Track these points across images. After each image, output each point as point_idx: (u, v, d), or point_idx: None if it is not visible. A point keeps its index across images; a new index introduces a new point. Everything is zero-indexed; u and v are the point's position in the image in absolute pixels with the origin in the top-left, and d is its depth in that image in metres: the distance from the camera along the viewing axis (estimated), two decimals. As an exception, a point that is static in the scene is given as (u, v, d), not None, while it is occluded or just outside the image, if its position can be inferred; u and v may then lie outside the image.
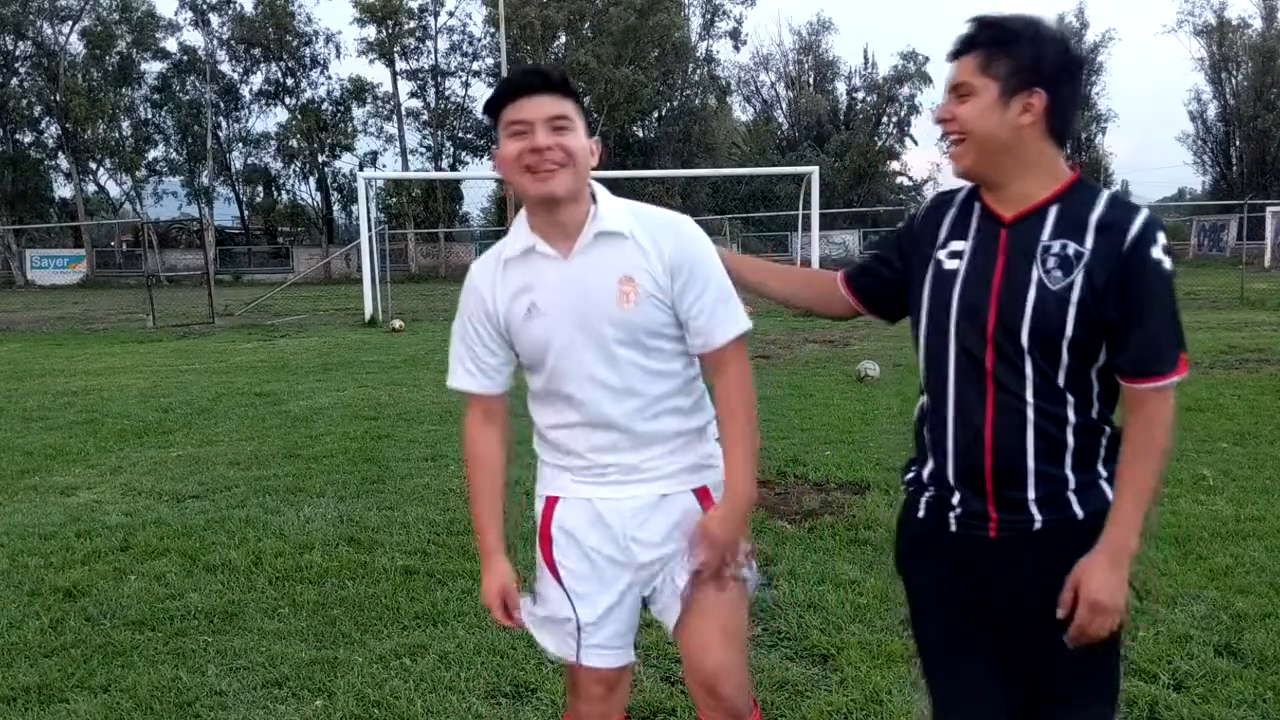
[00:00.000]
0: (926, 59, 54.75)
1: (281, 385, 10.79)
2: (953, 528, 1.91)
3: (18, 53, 50.86)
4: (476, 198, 62.45)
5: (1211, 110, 55.48)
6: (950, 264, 1.88)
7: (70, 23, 50.32)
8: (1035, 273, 1.78)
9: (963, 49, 1.81)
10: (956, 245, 1.89)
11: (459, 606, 4.06)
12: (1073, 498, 1.83)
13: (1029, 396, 1.80)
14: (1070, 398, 1.81)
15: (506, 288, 2.08)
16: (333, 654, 3.64)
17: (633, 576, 2.16)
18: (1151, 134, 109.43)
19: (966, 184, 1.93)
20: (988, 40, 1.78)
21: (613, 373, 2.05)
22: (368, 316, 20.23)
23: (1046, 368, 1.79)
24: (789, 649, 3.60)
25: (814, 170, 22.29)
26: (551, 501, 2.18)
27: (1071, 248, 1.77)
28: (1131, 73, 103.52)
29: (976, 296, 1.83)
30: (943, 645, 1.99)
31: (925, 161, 61.99)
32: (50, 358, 14.60)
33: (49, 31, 50.57)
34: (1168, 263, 1.77)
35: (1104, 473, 1.86)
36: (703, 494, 2.15)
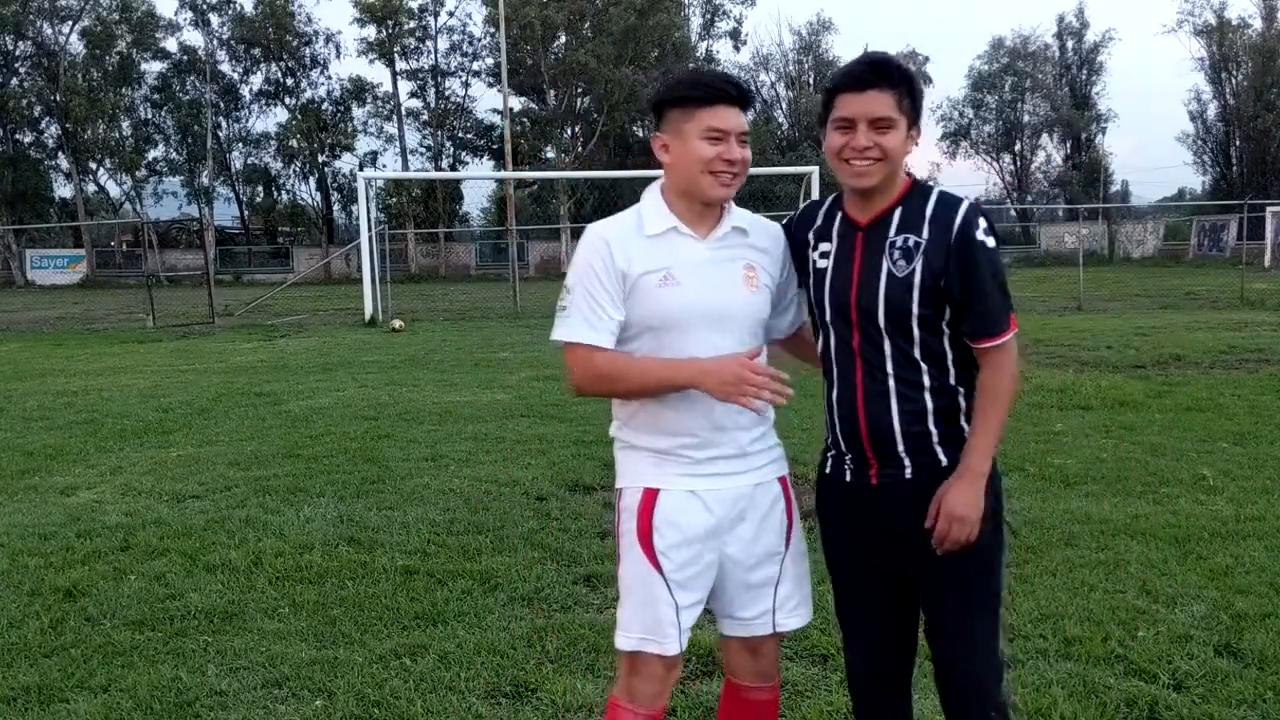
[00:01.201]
0: (926, 59, 54.92)
1: (281, 385, 10.79)
2: (847, 478, 2.28)
3: (18, 53, 50.89)
4: (476, 198, 62.48)
5: (1211, 110, 55.54)
6: (821, 263, 2.27)
7: (70, 23, 50.36)
8: (885, 264, 2.15)
9: (881, 84, 2.09)
10: (824, 247, 2.27)
11: (459, 606, 4.06)
12: (938, 449, 2.19)
13: (890, 369, 2.17)
14: (925, 366, 2.17)
15: (644, 257, 2.22)
16: (333, 654, 3.64)
17: (720, 558, 2.31)
18: (1151, 134, 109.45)
19: (829, 197, 2.33)
20: (900, 81, 2.11)
21: (731, 348, 2.21)
22: (368, 316, 20.24)
23: (903, 343, 2.15)
24: (789, 649, 3.60)
25: (814, 170, 22.28)
26: (650, 494, 2.27)
27: (912, 239, 2.14)
28: (1131, 73, 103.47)
29: (841, 288, 2.21)
30: (847, 578, 2.36)
31: (925, 161, 61.96)
32: (50, 358, 14.60)
33: (49, 31, 50.61)
34: (990, 241, 2.14)
35: (966, 426, 2.19)
36: (783, 482, 2.39)
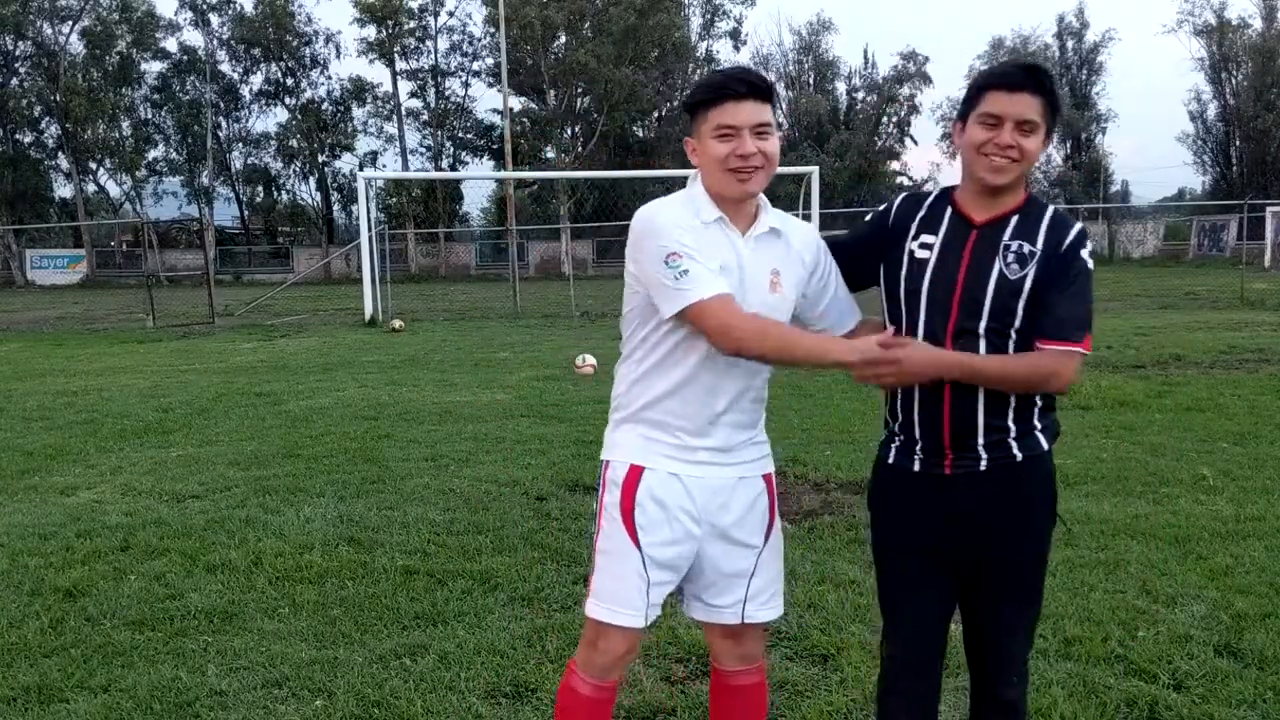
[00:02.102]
0: (926, 59, 54.85)
1: (281, 385, 10.79)
2: (916, 468, 2.33)
3: (18, 53, 50.88)
4: (476, 198, 62.50)
5: (1211, 110, 55.53)
6: (921, 254, 2.30)
7: (70, 23, 50.36)
8: (997, 264, 2.22)
9: (1032, 89, 2.18)
10: (927, 239, 2.30)
11: (459, 606, 4.06)
12: (1013, 444, 2.27)
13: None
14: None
15: (703, 240, 2.23)
16: (333, 654, 3.64)
17: (698, 545, 2.35)
18: (1151, 134, 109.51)
19: (933, 191, 2.39)
20: (1047, 90, 2.20)
21: None
22: (368, 316, 20.24)
23: (998, 342, 2.22)
24: (789, 649, 3.60)
25: (814, 170, 22.30)
26: (636, 470, 2.33)
27: (1027, 247, 2.22)
28: (1131, 73, 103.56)
29: (945, 280, 2.25)
30: (903, 563, 2.40)
31: (925, 161, 61.95)
32: (50, 358, 14.60)
33: (49, 31, 50.60)
34: (1091, 263, 2.24)
35: (1039, 424, 2.30)
36: (768, 480, 2.43)
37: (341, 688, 3.37)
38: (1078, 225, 2.26)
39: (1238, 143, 54.65)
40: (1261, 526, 4.84)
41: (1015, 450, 2.27)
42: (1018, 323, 2.20)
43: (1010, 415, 2.26)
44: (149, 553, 4.85)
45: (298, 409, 9.12)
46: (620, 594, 2.33)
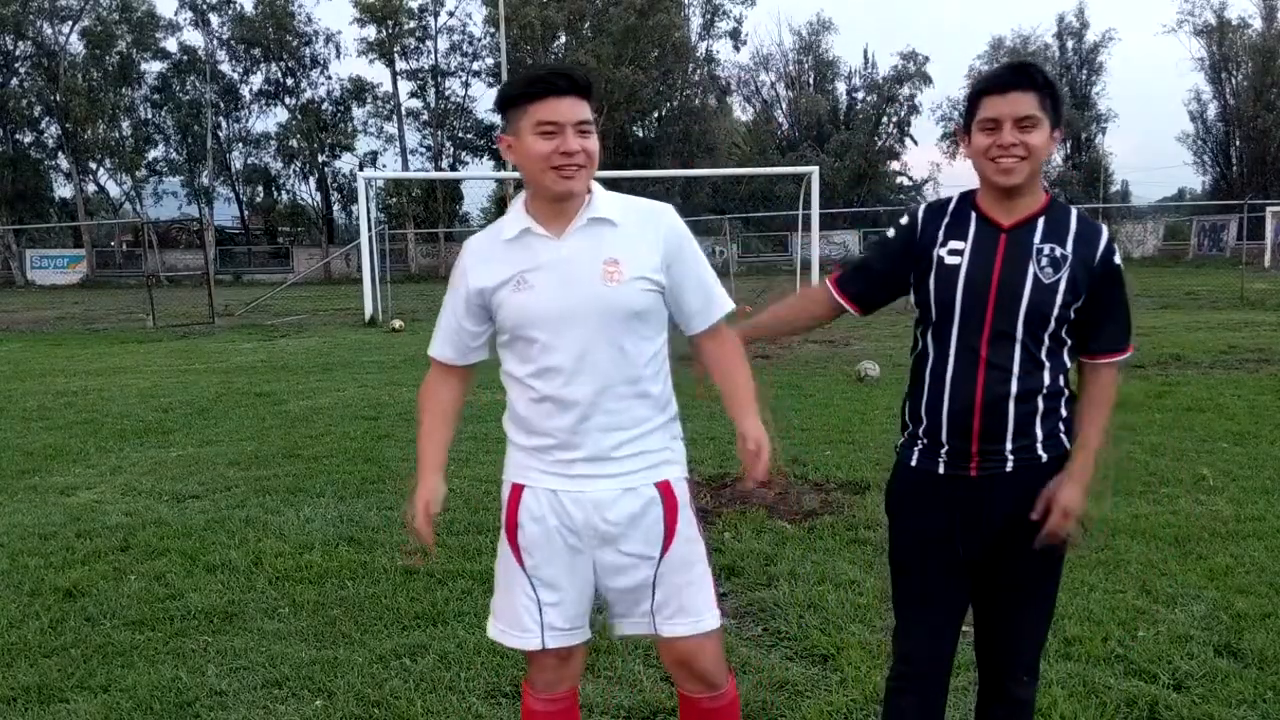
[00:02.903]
0: (926, 59, 54.71)
1: (281, 385, 10.79)
2: (940, 470, 2.32)
3: (18, 53, 50.85)
4: (476, 198, 62.49)
5: (1211, 110, 55.47)
6: (951, 260, 2.28)
7: (70, 23, 50.32)
8: (1031, 269, 2.22)
9: (1024, 86, 2.19)
10: (956, 245, 2.29)
11: (459, 606, 4.06)
12: (1038, 447, 2.29)
13: (1015, 369, 2.23)
14: (1046, 377, 2.26)
15: (499, 264, 2.21)
16: (333, 654, 3.64)
17: (591, 559, 2.28)
18: (1151, 134, 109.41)
19: (955, 193, 2.37)
20: (1042, 84, 2.21)
21: (591, 349, 2.17)
22: (368, 316, 20.24)
23: (1032, 346, 2.23)
24: (789, 649, 3.60)
25: (814, 170, 22.29)
26: (517, 489, 2.30)
27: (1059, 251, 2.23)
28: (1131, 73, 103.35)
29: (979, 286, 2.24)
30: (922, 566, 2.38)
31: (925, 161, 61.95)
32: (50, 358, 14.60)
33: (49, 31, 50.56)
34: (1122, 263, 2.29)
35: (1062, 428, 2.31)
36: (664, 488, 2.27)
37: (341, 688, 3.37)
38: (1104, 230, 2.29)
39: (1238, 143, 54.62)
40: (1261, 526, 4.84)
41: (1040, 451, 2.29)
42: (1051, 326, 2.22)
43: (1038, 420, 2.28)
44: (149, 553, 4.85)
45: (298, 409, 9.12)
46: (510, 615, 2.31)
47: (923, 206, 2.43)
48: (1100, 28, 73.20)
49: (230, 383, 11.10)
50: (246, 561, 4.65)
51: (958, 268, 2.26)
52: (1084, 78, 57.33)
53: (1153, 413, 7.89)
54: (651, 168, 41.59)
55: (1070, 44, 57.44)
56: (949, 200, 2.38)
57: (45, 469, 6.86)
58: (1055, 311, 2.21)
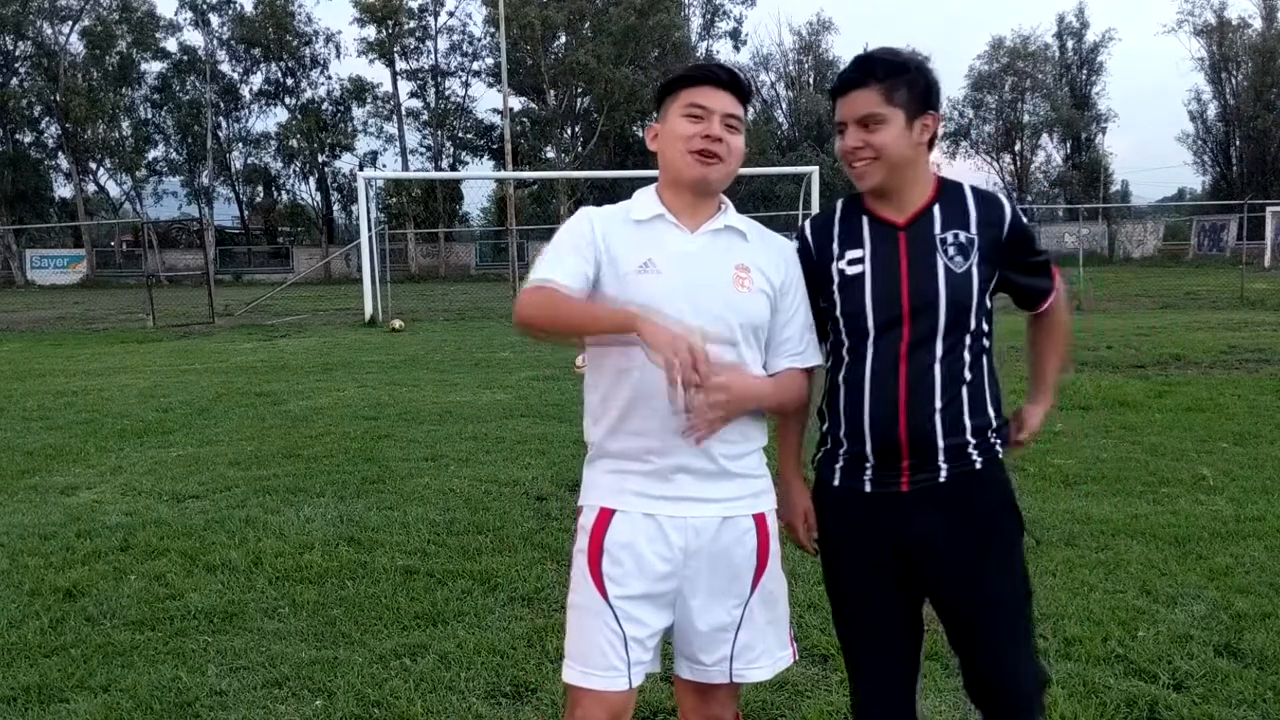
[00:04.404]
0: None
1: (281, 385, 10.79)
2: (867, 488, 2.16)
3: (18, 53, 50.89)
4: (476, 198, 62.59)
5: (1211, 110, 55.53)
6: (853, 270, 2.14)
7: (70, 23, 50.38)
8: (940, 261, 2.10)
9: (863, 82, 2.06)
10: (854, 254, 2.15)
11: (459, 606, 4.06)
12: (973, 452, 2.13)
13: (937, 368, 2.09)
14: (968, 358, 2.12)
15: (627, 243, 2.08)
16: (333, 654, 3.64)
17: (676, 597, 2.11)
18: (1151, 134, 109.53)
19: (837, 203, 2.24)
20: (884, 74, 2.06)
21: (716, 354, 2.00)
22: (368, 316, 20.25)
23: (954, 339, 2.10)
24: (789, 649, 3.60)
25: (814, 170, 22.32)
26: (607, 514, 2.10)
27: (964, 235, 2.12)
28: (1131, 73, 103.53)
29: (888, 290, 2.10)
30: (859, 599, 2.22)
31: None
32: (50, 358, 14.60)
33: (49, 31, 50.63)
34: (1024, 218, 2.21)
35: (993, 426, 2.16)
36: (760, 520, 2.15)
37: (341, 688, 3.36)
38: (1002, 197, 2.21)
39: (1238, 143, 54.65)
40: (1261, 526, 4.84)
41: (975, 457, 2.13)
42: (972, 320, 2.10)
43: (966, 416, 2.11)
44: (149, 553, 4.85)
45: (298, 409, 9.12)
46: (591, 654, 2.06)
47: (807, 223, 2.28)
48: (1100, 28, 73.51)
49: (230, 383, 11.10)
50: (246, 561, 4.65)
51: (861, 277, 2.12)
52: (1084, 78, 57.36)
53: (1153, 413, 7.88)
54: (652, 167, 41.45)
55: (1070, 44, 57.49)
56: (833, 209, 2.23)
57: (45, 469, 6.86)
58: (974, 301, 2.09)
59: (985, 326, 2.15)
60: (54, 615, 4.07)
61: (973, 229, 2.12)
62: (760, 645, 2.16)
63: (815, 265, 2.19)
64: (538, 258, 2.12)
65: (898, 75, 2.06)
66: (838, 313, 2.16)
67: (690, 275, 2.06)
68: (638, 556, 2.06)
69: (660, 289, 2.03)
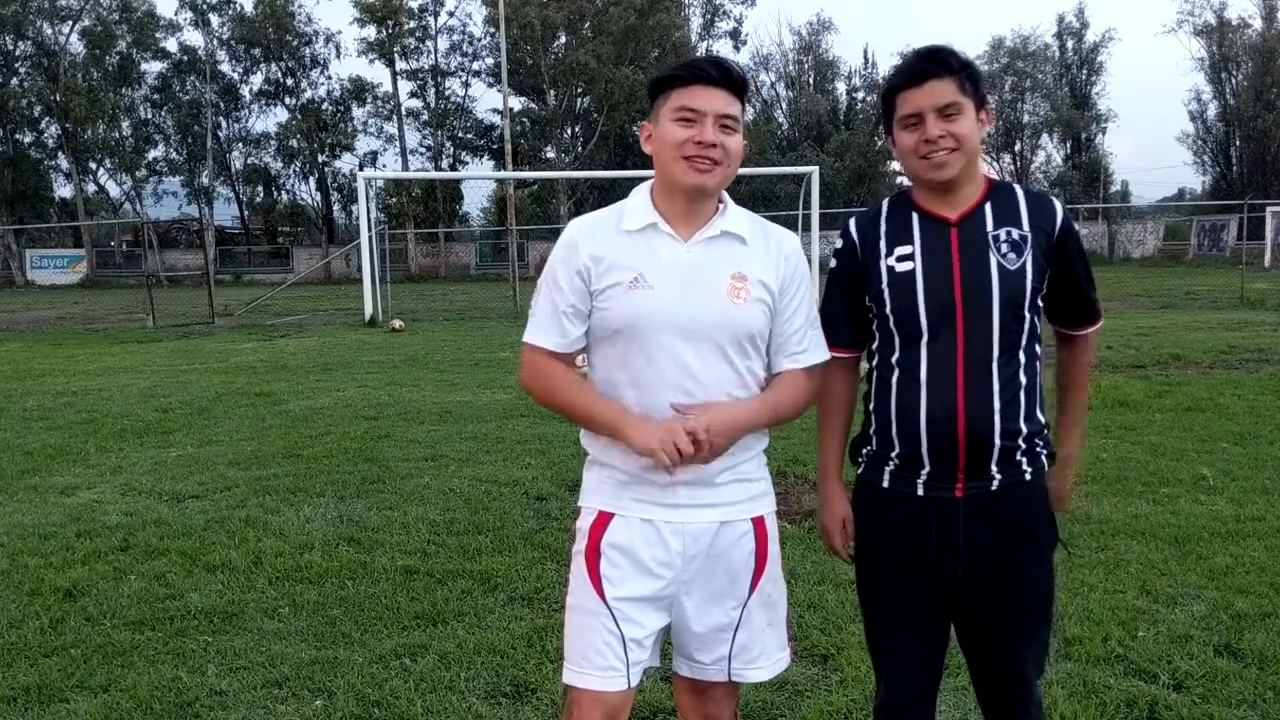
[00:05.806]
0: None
1: (281, 385, 10.79)
2: (920, 492, 2.13)
3: (18, 53, 50.86)
4: (476, 198, 62.54)
5: (1211, 110, 55.51)
6: (903, 267, 2.11)
7: (70, 23, 50.34)
8: (993, 258, 2.08)
9: (940, 73, 2.06)
10: (903, 250, 2.12)
11: (459, 606, 4.06)
12: (1022, 460, 2.12)
13: (994, 366, 2.07)
14: (1023, 359, 2.11)
15: (617, 255, 2.04)
16: (333, 654, 3.64)
17: (674, 598, 2.11)
18: (1151, 134, 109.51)
19: (883, 201, 2.22)
20: (958, 67, 2.07)
21: (702, 366, 2.02)
22: (368, 316, 20.24)
23: (1009, 337, 2.08)
24: (789, 649, 3.60)
25: (814, 170, 22.33)
26: (605, 516, 2.10)
27: (1016, 233, 2.09)
28: (1131, 73, 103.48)
29: (941, 286, 2.08)
30: (898, 598, 2.20)
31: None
32: (50, 358, 14.59)
33: (49, 31, 50.59)
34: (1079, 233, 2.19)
35: (1042, 420, 2.15)
36: (758, 523, 2.14)
37: (341, 688, 3.36)
38: (1056, 200, 2.19)
39: (1238, 143, 54.63)
40: (1261, 526, 4.84)
41: (1025, 467, 2.13)
42: (1026, 318, 2.08)
43: (1021, 414, 2.10)
44: (149, 553, 4.85)
45: (298, 409, 9.12)
46: (589, 655, 2.05)
47: (851, 221, 2.24)
48: (1100, 28, 73.40)
49: (230, 383, 11.10)
50: (246, 561, 4.65)
51: (911, 273, 2.09)
52: (1084, 78, 57.38)
53: (1153, 413, 7.88)
54: (651, 167, 41.48)
55: (1070, 44, 57.50)
56: (879, 207, 2.21)
57: (45, 469, 6.86)
58: (1027, 298, 2.07)
59: (1037, 327, 2.13)
60: (54, 615, 4.07)
61: (1025, 226, 2.10)
62: (759, 646, 2.16)
63: (861, 263, 2.16)
64: (534, 295, 2.15)
65: (967, 68, 2.07)
66: (887, 310, 2.12)
67: (683, 289, 2.01)
68: (635, 559, 2.06)
69: (651, 304, 2.01)
